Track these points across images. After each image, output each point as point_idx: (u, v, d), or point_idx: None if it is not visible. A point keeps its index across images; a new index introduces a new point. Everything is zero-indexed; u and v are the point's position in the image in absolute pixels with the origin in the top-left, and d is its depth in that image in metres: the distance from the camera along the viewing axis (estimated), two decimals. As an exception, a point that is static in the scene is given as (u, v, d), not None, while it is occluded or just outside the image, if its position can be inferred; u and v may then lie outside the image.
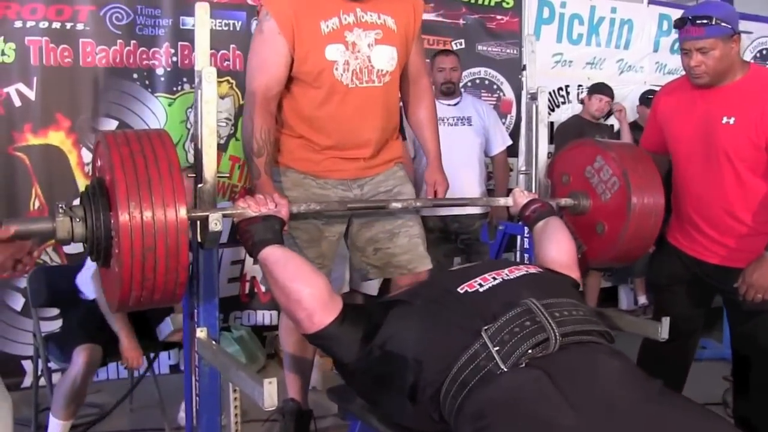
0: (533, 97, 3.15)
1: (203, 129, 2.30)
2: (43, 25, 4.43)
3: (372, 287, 4.74)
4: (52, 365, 3.89)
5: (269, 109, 2.72)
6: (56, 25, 4.47)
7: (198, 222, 2.30)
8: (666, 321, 2.53)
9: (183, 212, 2.00)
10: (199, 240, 2.34)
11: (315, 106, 2.79)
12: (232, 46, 4.99)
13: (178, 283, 2.06)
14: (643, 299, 6.43)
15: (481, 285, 2.12)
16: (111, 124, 4.67)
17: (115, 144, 2.03)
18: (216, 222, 2.24)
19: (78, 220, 2.04)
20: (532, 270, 2.28)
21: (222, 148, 4.97)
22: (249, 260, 5.18)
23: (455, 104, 4.97)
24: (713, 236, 3.03)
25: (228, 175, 5.03)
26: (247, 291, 5.22)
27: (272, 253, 2.22)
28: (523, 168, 3.30)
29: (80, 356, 3.52)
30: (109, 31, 4.62)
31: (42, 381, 3.87)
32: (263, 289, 5.16)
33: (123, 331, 3.64)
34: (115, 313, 3.55)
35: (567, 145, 3.21)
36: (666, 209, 2.90)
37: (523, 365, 1.85)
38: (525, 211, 2.84)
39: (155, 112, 4.82)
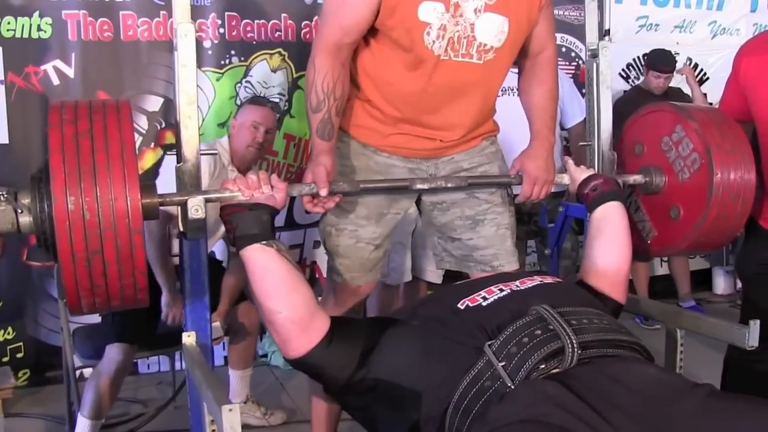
0: (593, 55, 2.67)
1: (181, 97, 1.98)
2: (81, -3, 4.20)
3: (437, 274, 4.31)
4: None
5: (339, 58, 2.23)
6: (95, -4, 4.24)
7: (179, 208, 1.99)
8: (755, 325, 2.14)
9: (136, 208, 1.66)
10: (180, 229, 2.02)
11: (393, 71, 2.29)
12: (283, 15, 4.67)
13: (138, 288, 1.74)
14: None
15: (485, 298, 1.85)
16: (156, 102, 4.45)
17: (59, 122, 1.69)
18: (197, 208, 1.91)
19: (21, 210, 1.72)
20: (549, 280, 2.01)
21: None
22: (309, 243, 4.92)
23: (525, 72, 4.52)
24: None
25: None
26: (307, 277, 4.90)
27: (253, 259, 1.86)
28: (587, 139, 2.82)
29: (113, 354, 3.31)
30: (151, 2, 4.36)
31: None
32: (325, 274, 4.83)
33: (166, 285, 3.42)
34: (158, 265, 3.38)
35: (643, 109, 2.76)
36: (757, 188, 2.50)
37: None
38: (583, 188, 2.36)
39: (203, 88, 4.51)
